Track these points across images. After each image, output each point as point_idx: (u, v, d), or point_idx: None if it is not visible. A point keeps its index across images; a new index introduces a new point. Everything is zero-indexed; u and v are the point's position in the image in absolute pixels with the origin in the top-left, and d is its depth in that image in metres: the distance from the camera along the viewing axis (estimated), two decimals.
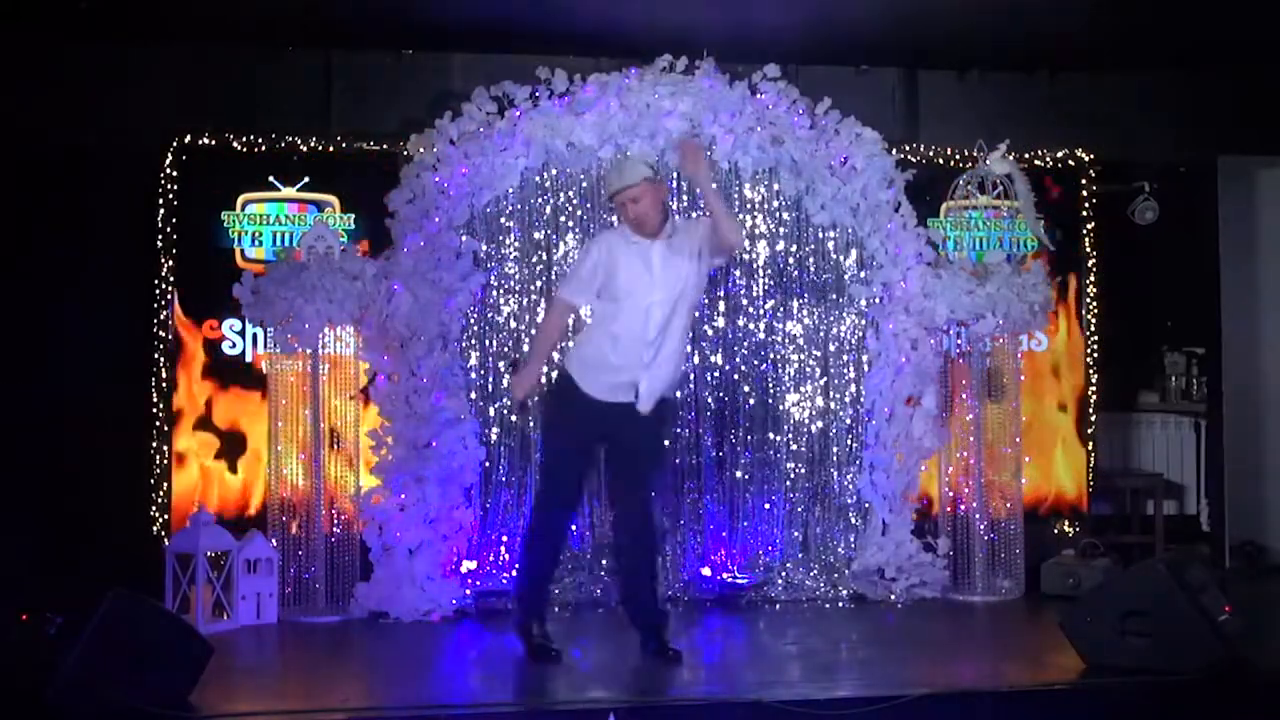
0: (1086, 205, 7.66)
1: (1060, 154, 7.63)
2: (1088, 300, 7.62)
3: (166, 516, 6.86)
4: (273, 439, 6.57)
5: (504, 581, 6.71)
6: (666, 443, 5.70)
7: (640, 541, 5.44)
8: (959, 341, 7.12)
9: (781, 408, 7.14)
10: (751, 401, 7.12)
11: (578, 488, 5.53)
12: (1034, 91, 7.85)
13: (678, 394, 5.59)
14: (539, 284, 6.98)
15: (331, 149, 7.10)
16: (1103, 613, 5.03)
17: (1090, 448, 7.62)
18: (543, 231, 7.00)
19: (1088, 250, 7.63)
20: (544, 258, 6.99)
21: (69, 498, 6.94)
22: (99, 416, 6.96)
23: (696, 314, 7.01)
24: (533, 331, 6.93)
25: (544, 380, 5.97)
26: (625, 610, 5.58)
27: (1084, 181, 7.66)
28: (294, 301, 6.40)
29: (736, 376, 7.12)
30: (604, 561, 6.84)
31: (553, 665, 5.30)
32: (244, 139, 7.03)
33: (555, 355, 5.91)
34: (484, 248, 6.90)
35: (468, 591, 6.55)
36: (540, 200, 7.00)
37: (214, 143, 7.00)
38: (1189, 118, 7.96)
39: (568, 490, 5.47)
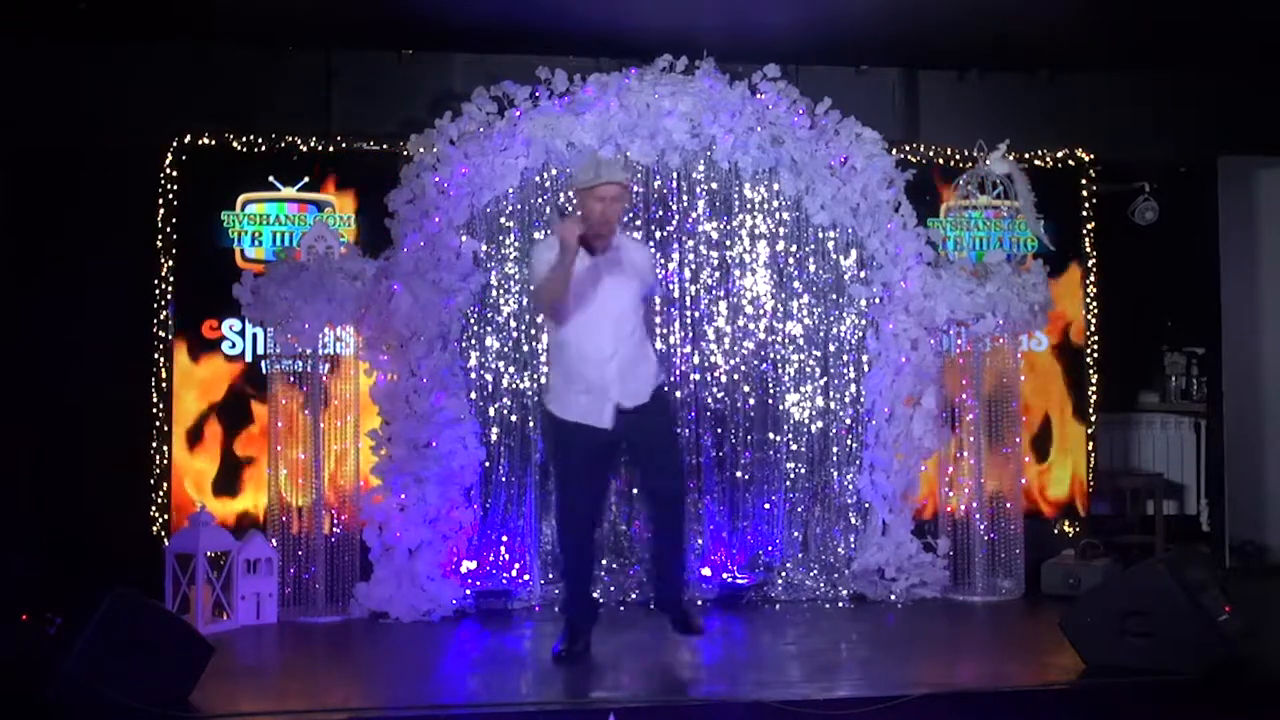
0: (1086, 205, 7.66)
1: (1060, 154, 7.63)
2: (1088, 300, 7.63)
3: (166, 516, 6.86)
4: (272, 439, 6.57)
5: (504, 581, 6.73)
6: (675, 428, 5.76)
7: (669, 533, 5.49)
8: (959, 341, 7.12)
9: (781, 408, 7.14)
10: (751, 401, 7.12)
11: (596, 502, 5.56)
12: (1034, 91, 7.85)
13: (664, 384, 5.60)
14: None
15: (331, 149, 7.10)
16: (1103, 613, 5.03)
17: (1090, 448, 7.62)
18: (543, 231, 6.99)
19: (1088, 250, 7.64)
20: None
21: (69, 497, 6.94)
22: (99, 416, 6.96)
23: (696, 314, 7.06)
24: (532, 331, 6.93)
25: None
26: (653, 594, 5.68)
27: (1084, 181, 7.66)
28: (294, 301, 6.40)
29: (736, 376, 7.12)
30: (603, 561, 6.84)
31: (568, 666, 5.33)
32: (244, 139, 7.03)
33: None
34: (484, 248, 6.90)
35: (468, 591, 6.56)
36: (540, 200, 7.00)
37: (214, 143, 7.01)
38: (1189, 118, 7.96)
39: (586, 508, 5.47)
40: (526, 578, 6.78)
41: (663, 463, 5.46)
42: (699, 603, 6.63)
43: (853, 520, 7.11)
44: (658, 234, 7.06)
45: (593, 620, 5.54)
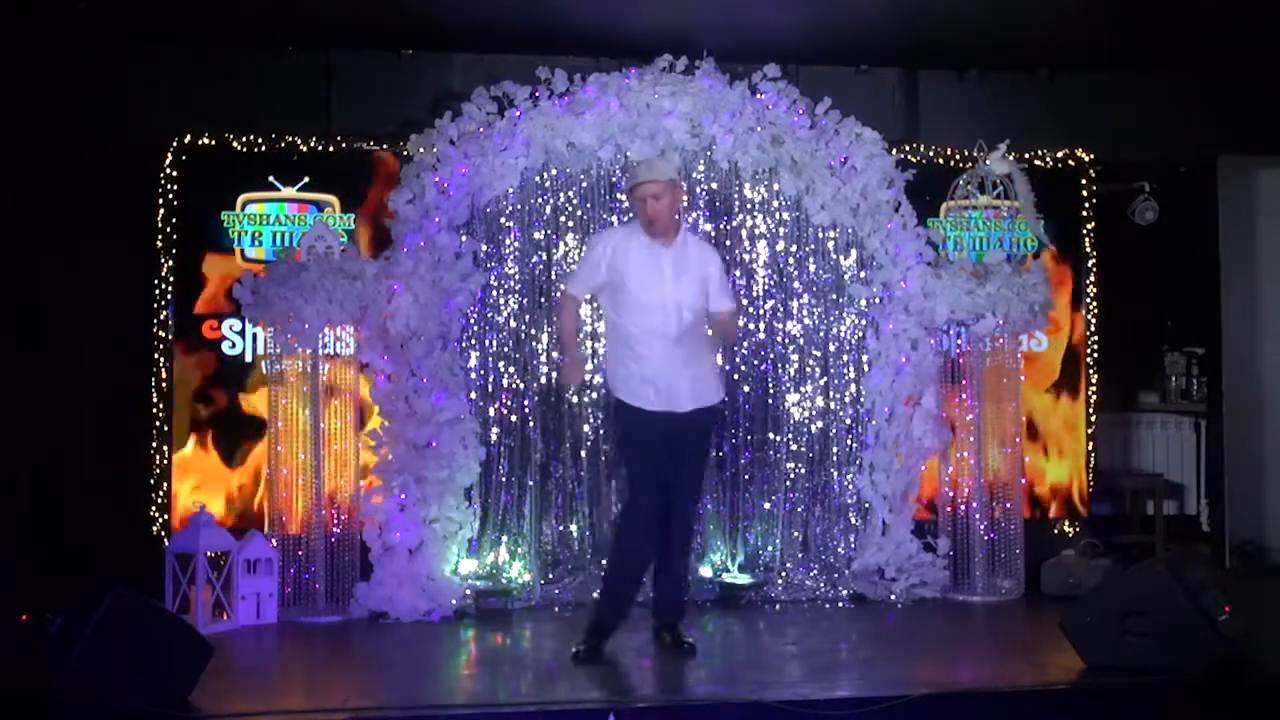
0: (1086, 205, 7.66)
1: (1060, 154, 7.63)
2: (1088, 300, 7.62)
3: (166, 516, 6.86)
4: (272, 439, 6.57)
5: (504, 581, 6.72)
6: (709, 452, 5.88)
7: (676, 548, 5.53)
8: (959, 341, 7.12)
9: (781, 408, 7.14)
10: (751, 401, 7.12)
11: (662, 502, 5.45)
12: (1034, 91, 7.85)
13: (720, 407, 5.75)
14: (539, 284, 6.98)
15: (331, 149, 7.11)
16: (1103, 613, 5.03)
17: (1090, 448, 7.62)
18: (543, 231, 7.00)
19: (1088, 250, 7.64)
20: (544, 258, 6.99)
21: (69, 498, 6.94)
22: (99, 416, 6.96)
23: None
24: (532, 331, 6.94)
25: (588, 364, 6.41)
26: (653, 601, 5.71)
27: (1084, 181, 7.66)
28: (294, 301, 6.40)
29: (736, 376, 7.11)
30: (603, 562, 6.83)
31: (583, 666, 5.31)
32: (244, 139, 7.03)
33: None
34: (484, 248, 6.90)
35: (468, 591, 6.55)
36: (540, 200, 7.00)
37: (214, 143, 7.01)
38: (1189, 118, 7.96)
39: (655, 506, 5.41)
40: (526, 578, 6.78)
41: (685, 480, 5.50)
42: (700, 602, 6.64)
43: (853, 520, 7.11)
44: None
45: (623, 621, 5.52)
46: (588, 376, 6.83)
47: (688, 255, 5.51)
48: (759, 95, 6.99)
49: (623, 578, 5.52)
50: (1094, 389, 7.63)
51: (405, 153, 6.91)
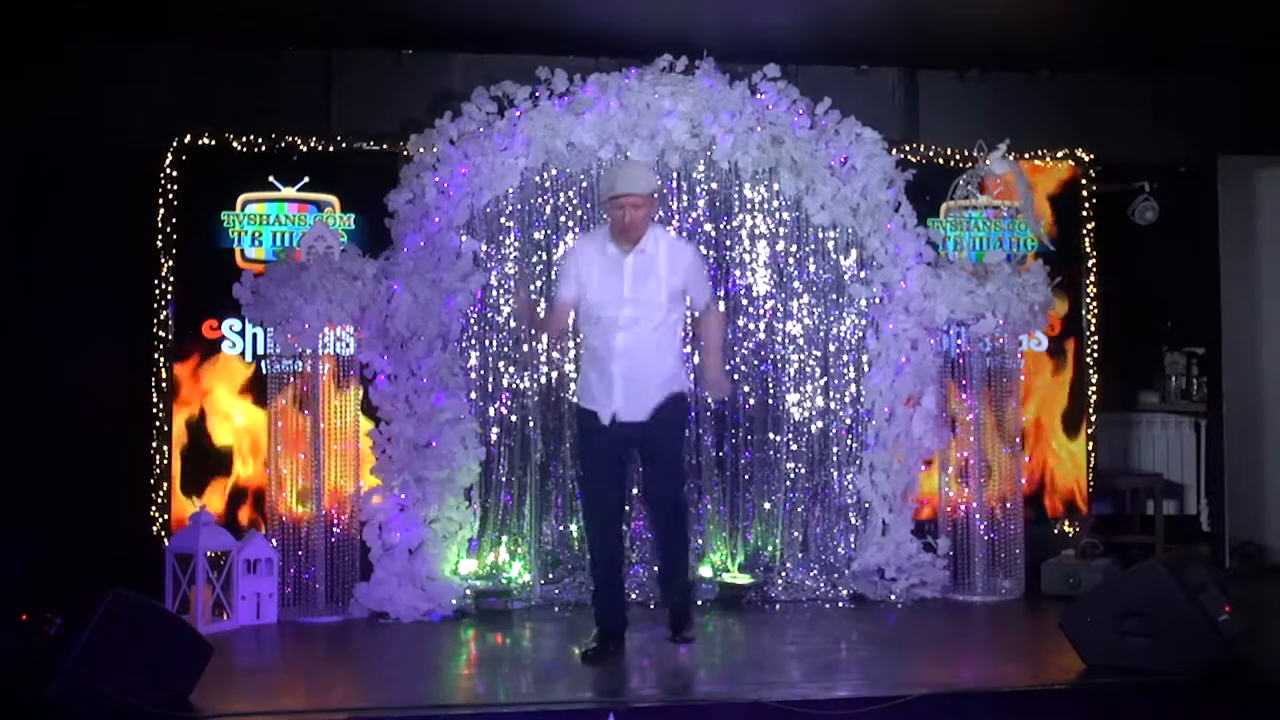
0: (1086, 205, 7.66)
1: (1060, 154, 7.63)
2: (1087, 300, 7.62)
3: (166, 516, 6.85)
4: (272, 439, 6.57)
5: (504, 581, 6.73)
6: (681, 439, 5.76)
7: (668, 537, 5.54)
8: (959, 341, 7.12)
9: (781, 408, 7.14)
10: (751, 401, 7.12)
11: (616, 504, 5.55)
12: (1034, 91, 7.85)
13: (683, 392, 5.59)
14: (539, 284, 6.98)
15: (331, 149, 7.10)
16: (1103, 613, 5.04)
17: (1090, 448, 7.62)
18: (543, 231, 7.00)
19: (1088, 250, 7.63)
20: (544, 258, 7.00)
21: (68, 498, 6.93)
22: (99, 416, 6.96)
23: (696, 314, 7.03)
24: (532, 331, 6.94)
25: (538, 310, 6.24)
26: (659, 595, 5.90)
27: (1084, 181, 7.66)
28: (294, 301, 6.40)
29: (736, 376, 7.11)
30: None
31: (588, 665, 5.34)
32: (244, 139, 7.03)
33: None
34: (484, 248, 6.90)
35: (468, 591, 6.55)
36: (540, 200, 7.00)
37: (214, 143, 7.00)
38: (1189, 118, 7.96)
39: (606, 509, 5.48)
40: (527, 578, 6.78)
41: (662, 474, 5.48)
42: (699, 603, 6.63)
43: (853, 520, 7.11)
44: None
45: (622, 622, 5.53)
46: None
47: (655, 258, 5.40)
48: (759, 95, 6.99)
49: (596, 580, 5.57)
50: (1094, 389, 7.62)
51: (405, 153, 6.91)
